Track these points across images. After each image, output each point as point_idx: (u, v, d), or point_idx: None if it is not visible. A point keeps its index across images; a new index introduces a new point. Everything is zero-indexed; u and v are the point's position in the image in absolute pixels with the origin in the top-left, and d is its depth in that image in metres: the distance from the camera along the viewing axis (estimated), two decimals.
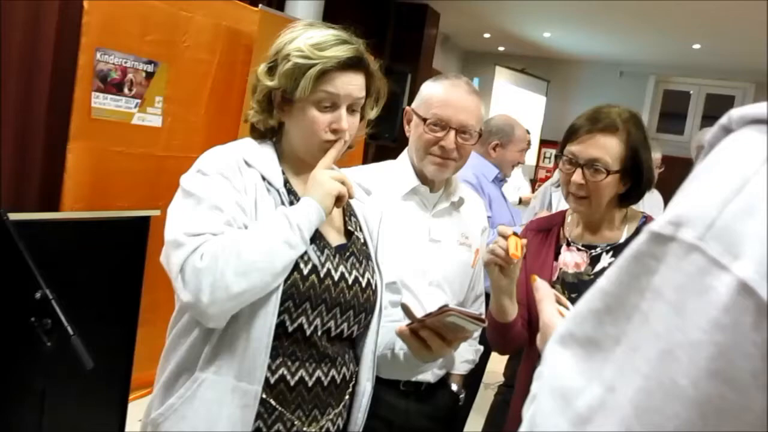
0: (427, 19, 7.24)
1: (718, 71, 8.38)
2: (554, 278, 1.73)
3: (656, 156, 3.74)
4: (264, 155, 1.39)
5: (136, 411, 2.92)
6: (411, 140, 1.86)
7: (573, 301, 1.69)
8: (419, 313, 1.34)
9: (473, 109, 1.80)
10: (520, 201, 4.73)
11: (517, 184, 5.13)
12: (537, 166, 9.10)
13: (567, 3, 6.38)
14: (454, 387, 2.04)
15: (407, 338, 1.35)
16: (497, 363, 3.24)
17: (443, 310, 1.22)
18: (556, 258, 1.75)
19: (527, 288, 1.73)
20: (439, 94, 1.79)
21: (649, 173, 1.65)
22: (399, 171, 1.87)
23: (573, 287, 1.70)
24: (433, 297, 1.84)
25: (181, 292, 1.23)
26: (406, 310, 1.34)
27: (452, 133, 1.76)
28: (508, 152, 3.15)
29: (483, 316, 1.24)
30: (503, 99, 8.36)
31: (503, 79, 8.55)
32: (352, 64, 1.35)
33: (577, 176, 1.63)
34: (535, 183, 7.79)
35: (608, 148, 1.61)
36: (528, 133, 3.54)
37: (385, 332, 1.47)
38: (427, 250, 1.85)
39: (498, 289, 1.61)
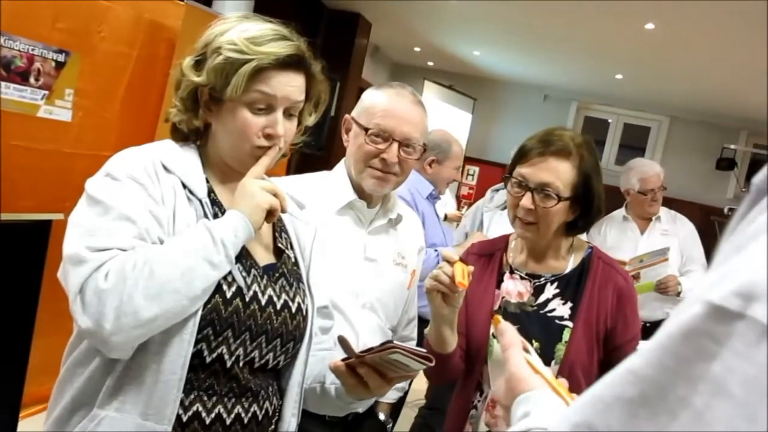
0: (359, 28, 7.15)
1: (636, 102, 8.69)
2: (496, 307, 1.63)
3: (654, 171, 3.55)
4: (186, 160, 1.21)
5: (30, 428, 2.66)
6: (349, 151, 1.72)
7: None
8: (358, 347, 1.20)
9: (418, 122, 1.68)
10: (446, 218, 4.67)
11: (444, 201, 5.08)
12: (460, 182, 9.15)
13: (497, 23, 6.43)
14: (382, 416, 1.91)
15: (342, 375, 1.21)
16: (420, 382, 3.13)
17: (387, 346, 1.08)
18: (498, 286, 1.65)
19: (467, 316, 1.62)
20: (382, 104, 1.66)
21: (599, 202, 1.58)
22: (334, 183, 1.73)
23: (515, 318, 1.60)
24: (366, 321, 1.71)
25: (80, 317, 1.04)
26: (343, 343, 1.19)
27: (395, 145, 1.64)
28: (444, 169, 3.06)
29: (430, 355, 1.10)
30: (431, 114, 8.31)
31: (431, 94, 8.54)
32: (291, 63, 1.20)
33: (527, 201, 1.53)
34: (459, 200, 7.80)
35: (560, 172, 1.52)
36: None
37: (314, 362, 1.32)
38: (361, 269, 1.71)
39: (439, 318, 1.49)
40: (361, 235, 1.73)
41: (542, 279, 1.63)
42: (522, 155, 1.57)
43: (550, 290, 1.61)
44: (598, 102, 9.12)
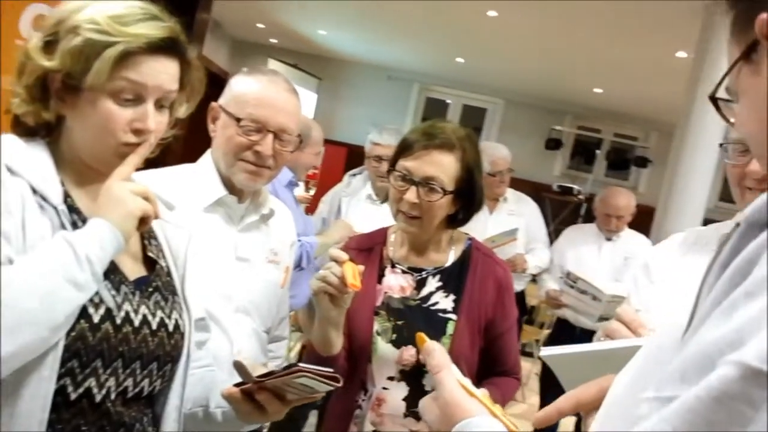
0: (200, 3, 6.75)
1: (475, 85, 9.04)
2: (378, 303, 1.58)
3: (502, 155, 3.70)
4: (34, 159, 1.02)
5: None
6: (217, 143, 1.57)
7: (400, 328, 1.55)
8: (233, 356, 1.09)
9: (293, 111, 1.57)
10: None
11: None
12: None
13: (342, 3, 6.36)
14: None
15: (237, 401, 1.09)
16: None
17: (292, 370, 0.98)
18: (379, 281, 1.60)
19: (349, 315, 1.55)
20: (255, 92, 1.53)
21: (480, 194, 1.57)
22: (201, 178, 1.58)
23: (399, 313, 1.56)
24: (240, 326, 1.58)
25: None
26: (240, 369, 1.07)
27: (269, 137, 1.52)
28: (305, 155, 2.95)
29: (337, 375, 1.02)
30: None
31: None
32: (165, 48, 1.04)
33: (411, 195, 1.49)
34: (306, 182, 7.70)
35: (445, 166, 1.49)
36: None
37: (193, 383, 1.18)
38: (233, 270, 1.58)
39: (326, 320, 1.40)
40: (232, 234, 1.59)
41: (424, 272, 1.60)
42: (405, 149, 1.52)
43: (433, 283, 1.59)
44: (439, 84, 9.39)
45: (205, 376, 1.19)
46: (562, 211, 7.94)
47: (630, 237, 3.85)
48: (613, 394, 0.65)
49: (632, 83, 6.96)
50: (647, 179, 8.89)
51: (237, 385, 1.08)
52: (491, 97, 9.16)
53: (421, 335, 0.84)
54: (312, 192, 6.64)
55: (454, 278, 1.59)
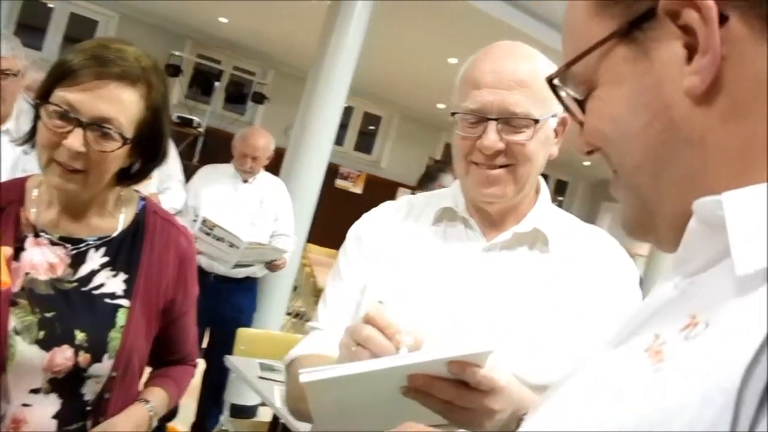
0: None
1: None
2: (16, 289, 1.13)
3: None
4: None
5: None
6: None
7: (49, 322, 1.14)
8: None
9: None
10: None
11: None
12: None
13: None
14: None
15: None
16: None
17: None
18: (16, 257, 1.15)
19: None
20: None
21: (166, 143, 1.22)
22: None
23: (47, 302, 1.14)
24: None
25: None
26: None
27: None
28: None
29: None
30: None
31: None
32: None
33: (76, 140, 1.07)
34: None
35: (125, 104, 1.10)
36: None
37: None
38: None
39: None
40: None
41: (83, 244, 1.20)
42: (66, 73, 1.08)
43: (96, 259, 1.20)
44: None
45: None
46: (179, 144, 7.56)
47: (266, 179, 3.78)
48: None
49: (259, 18, 6.86)
50: (263, 116, 9.05)
51: None
52: (104, 8, 8.11)
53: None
54: None
55: (125, 251, 1.23)
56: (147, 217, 1.28)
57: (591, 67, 0.50)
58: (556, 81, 0.53)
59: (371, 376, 0.76)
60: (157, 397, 1.28)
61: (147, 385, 1.33)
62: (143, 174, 1.24)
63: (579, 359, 0.52)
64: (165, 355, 1.35)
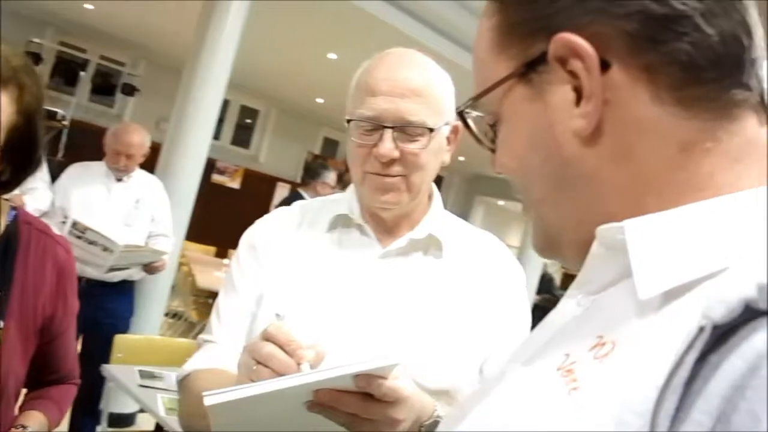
0: None
1: None
2: None
3: None
4: None
5: None
6: None
7: None
8: None
9: None
10: None
11: None
12: None
13: None
14: None
15: None
16: None
17: None
18: None
19: None
20: None
21: (39, 149, 1.13)
22: None
23: None
24: None
25: None
26: None
27: None
28: None
29: None
30: None
31: None
32: None
33: None
34: None
35: None
36: None
37: None
38: None
39: None
40: None
41: None
42: None
43: None
44: None
45: None
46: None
47: (141, 178, 3.61)
48: None
49: (129, 6, 6.51)
50: (134, 108, 8.63)
51: None
52: None
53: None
54: None
55: None
56: (20, 229, 1.19)
57: (496, 102, 0.52)
58: (465, 109, 0.54)
59: (277, 395, 0.75)
60: (36, 422, 1.20)
61: (24, 408, 1.24)
62: (14, 184, 1.15)
63: (487, 373, 0.54)
64: (43, 375, 1.26)
